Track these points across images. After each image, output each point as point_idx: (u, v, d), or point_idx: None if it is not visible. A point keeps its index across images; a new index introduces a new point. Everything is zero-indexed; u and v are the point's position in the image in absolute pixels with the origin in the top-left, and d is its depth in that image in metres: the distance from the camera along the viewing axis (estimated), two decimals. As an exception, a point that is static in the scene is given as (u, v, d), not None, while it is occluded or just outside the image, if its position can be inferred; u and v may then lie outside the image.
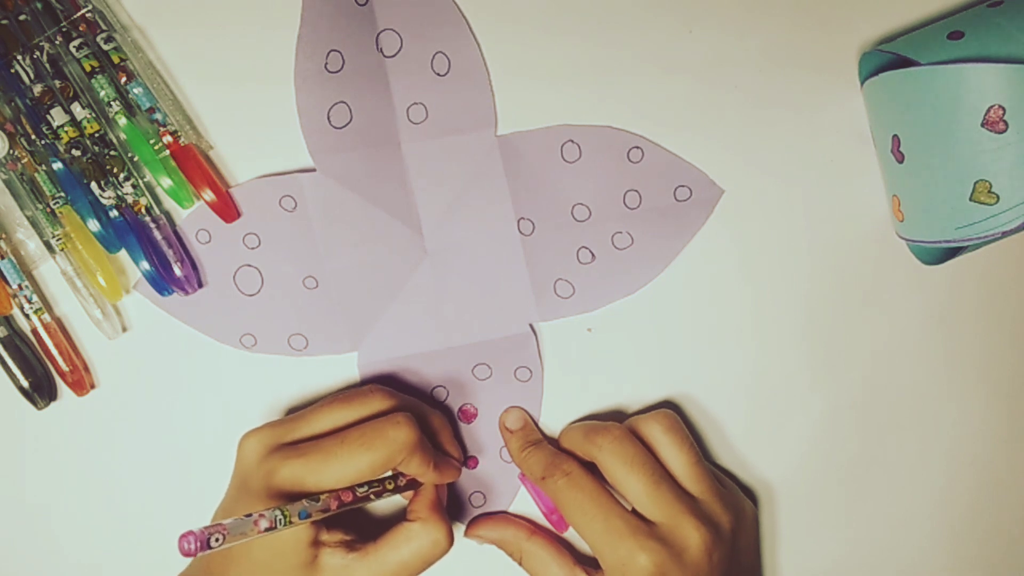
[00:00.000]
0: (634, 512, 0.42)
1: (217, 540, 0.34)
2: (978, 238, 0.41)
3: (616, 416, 0.48)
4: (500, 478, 0.47)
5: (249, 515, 0.36)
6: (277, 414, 0.46)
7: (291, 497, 0.39)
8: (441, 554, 0.42)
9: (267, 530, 0.36)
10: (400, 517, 0.44)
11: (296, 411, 0.46)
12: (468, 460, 0.47)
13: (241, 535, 0.35)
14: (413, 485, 0.43)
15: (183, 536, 0.33)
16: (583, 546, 0.47)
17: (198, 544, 0.33)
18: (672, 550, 0.41)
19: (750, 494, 0.48)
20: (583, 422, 0.46)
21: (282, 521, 0.37)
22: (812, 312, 0.48)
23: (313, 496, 0.39)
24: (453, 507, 0.47)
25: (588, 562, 0.45)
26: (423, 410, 0.44)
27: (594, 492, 0.42)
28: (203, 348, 0.45)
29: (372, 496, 0.41)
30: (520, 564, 0.46)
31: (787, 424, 0.49)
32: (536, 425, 0.47)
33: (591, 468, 0.44)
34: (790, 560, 0.49)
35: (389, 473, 0.43)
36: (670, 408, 0.46)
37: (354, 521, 0.44)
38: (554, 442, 0.47)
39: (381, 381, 0.46)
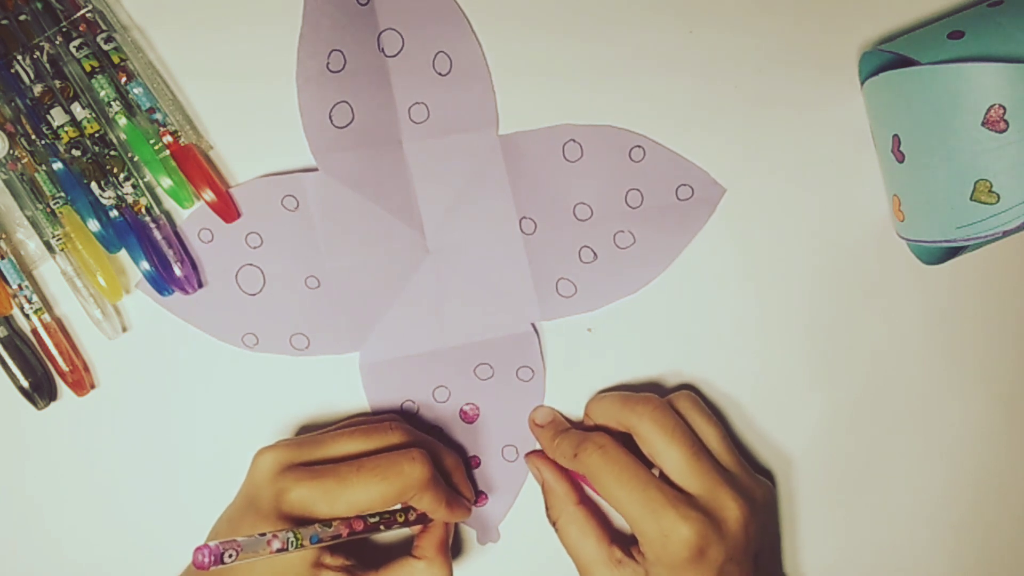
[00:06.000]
0: (668, 483, 0.42)
1: (231, 556, 0.35)
2: (978, 238, 0.41)
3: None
4: (502, 477, 0.47)
5: (263, 534, 0.37)
6: (278, 414, 0.46)
7: (299, 519, 0.39)
8: None
9: (278, 550, 0.37)
10: (404, 548, 0.44)
11: (298, 412, 0.46)
12: (469, 460, 0.47)
13: (253, 553, 0.36)
14: (423, 520, 0.44)
15: (198, 549, 0.34)
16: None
17: (212, 558, 0.34)
18: (712, 522, 0.41)
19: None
20: (616, 392, 0.46)
21: (293, 543, 0.37)
22: (813, 312, 0.48)
23: (325, 521, 0.39)
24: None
25: (620, 540, 0.44)
26: (438, 448, 0.45)
27: (630, 463, 0.42)
28: (204, 348, 0.45)
29: (382, 527, 0.41)
30: (555, 525, 0.45)
31: (787, 423, 0.49)
32: (565, 419, 0.47)
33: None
34: (790, 557, 0.49)
35: (400, 506, 0.43)
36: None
37: (357, 547, 0.44)
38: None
39: (382, 380, 0.46)
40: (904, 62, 0.42)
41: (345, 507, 0.40)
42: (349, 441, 0.42)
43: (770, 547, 0.46)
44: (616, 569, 0.43)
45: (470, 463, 0.47)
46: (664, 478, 0.42)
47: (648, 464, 0.43)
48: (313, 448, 0.41)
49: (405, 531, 0.46)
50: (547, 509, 0.46)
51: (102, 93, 0.42)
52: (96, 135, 0.42)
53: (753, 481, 0.44)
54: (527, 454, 0.47)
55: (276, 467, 0.40)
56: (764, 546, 0.44)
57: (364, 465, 0.40)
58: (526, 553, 0.47)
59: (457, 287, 0.46)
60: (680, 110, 0.47)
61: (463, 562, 0.48)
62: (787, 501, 0.49)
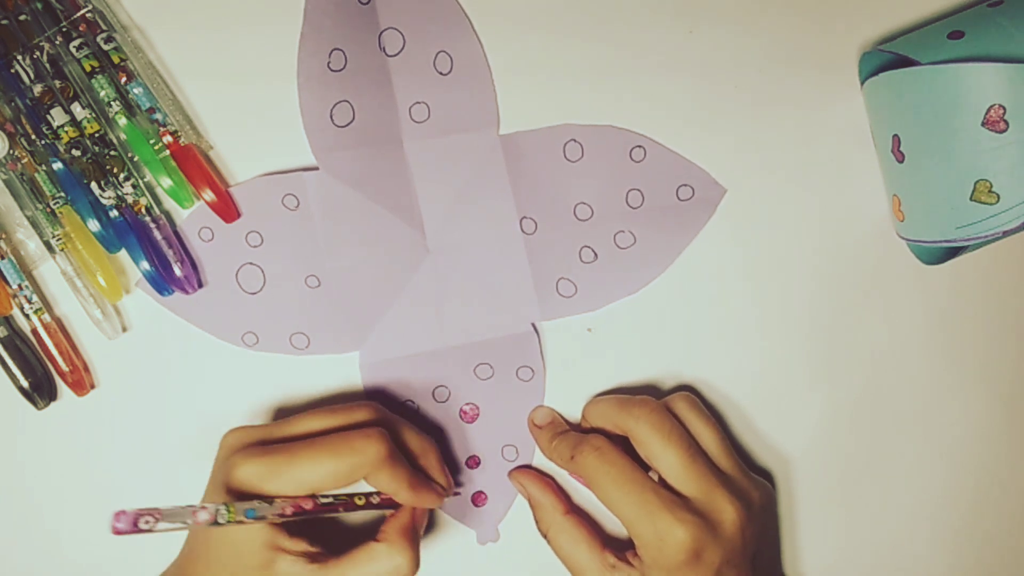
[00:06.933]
0: (665, 486, 0.42)
1: (147, 523, 0.34)
2: (978, 238, 0.41)
3: (618, 416, 0.47)
4: (502, 477, 0.47)
5: (190, 505, 0.35)
6: (278, 414, 0.46)
7: (248, 496, 0.38)
8: None
9: (211, 523, 0.35)
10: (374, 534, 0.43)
11: (298, 411, 0.46)
12: (469, 459, 0.47)
13: (180, 523, 0.35)
14: (390, 504, 0.42)
15: (116, 513, 0.33)
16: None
17: (128, 524, 0.33)
18: (708, 524, 0.41)
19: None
20: (613, 395, 0.46)
21: (224, 515, 0.36)
22: (813, 312, 0.48)
23: (267, 498, 0.38)
24: (453, 507, 0.47)
25: (613, 544, 0.45)
26: (406, 429, 0.43)
27: (626, 466, 0.42)
28: (203, 347, 0.45)
29: (340, 508, 0.40)
30: (545, 536, 0.45)
31: (787, 423, 0.49)
32: (564, 420, 0.47)
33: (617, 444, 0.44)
34: (789, 558, 0.49)
35: (369, 489, 0.42)
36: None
37: (324, 533, 0.43)
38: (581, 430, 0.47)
39: (382, 380, 0.46)
40: (904, 62, 0.42)
41: (293, 484, 0.38)
42: (313, 420, 0.41)
43: (769, 548, 0.46)
44: (610, 574, 0.43)
45: (459, 458, 0.47)
46: (661, 481, 0.43)
47: (645, 467, 0.43)
48: (278, 428, 0.41)
49: (379, 517, 0.45)
50: (536, 522, 0.46)
51: (102, 93, 0.42)
52: (96, 135, 0.42)
53: (751, 483, 0.44)
54: (509, 472, 0.47)
55: (237, 445, 0.40)
56: (762, 548, 0.44)
57: (316, 441, 0.39)
58: (526, 553, 0.47)
59: (457, 287, 0.46)
60: (680, 110, 0.47)
61: (463, 562, 0.47)
62: (787, 502, 0.49)
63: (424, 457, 0.43)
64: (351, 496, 0.41)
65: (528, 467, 0.47)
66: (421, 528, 0.43)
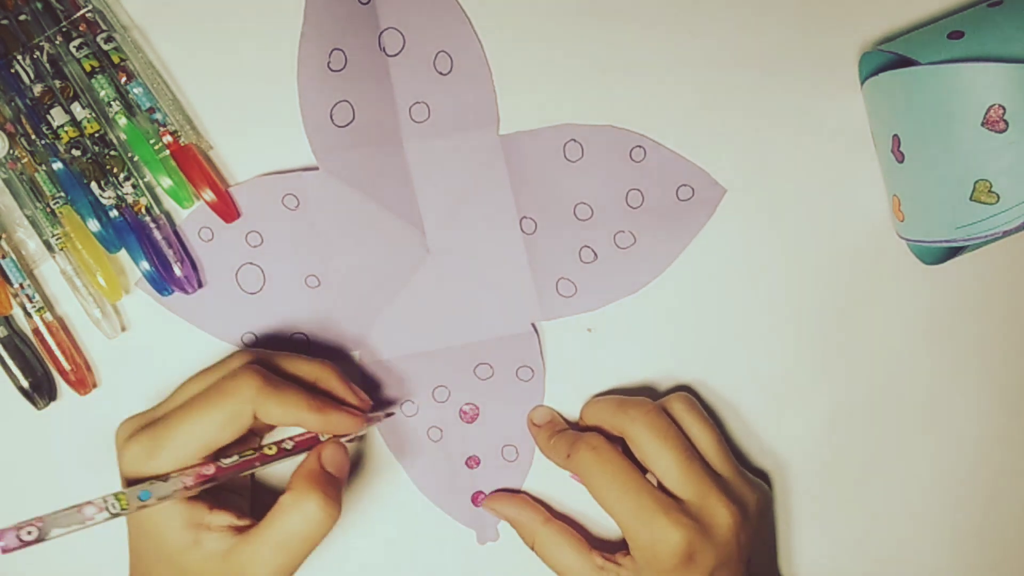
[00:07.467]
0: (661, 488, 0.42)
1: (30, 534, 0.32)
2: (978, 238, 0.41)
3: (618, 416, 0.47)
4: (502, 477, 0.47)
5: (75, 505, 0.33)
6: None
7: (144, 480, 0.36)
8: (318, 528, 0.37)
9: (109, 517, 0.33)
10: None
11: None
12: (469, 459, 0.47)
13: (73, 525, 0.32)
14: (311, 443, 0.39)
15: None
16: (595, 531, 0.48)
17: (12, 540, 0.31)
18: (702, 528, 0.41)
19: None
20: (610, 396, 0.46)
21: (115, 505, 0.33)
22: (812, 312, 0.48)
23: (164, 476, 0.36)
24: (454, 506, 0.47)
25: (601, 546, 0.45)
26: (295, 359, 0.41)
27: (622, 466, 0.42)
28: (203, 347, 0.45)
29: (256, 464, 0.38)
30: (533, 548, 0.45)
31: (787, 424, 0.49)
32: (564, 420, 0.47)
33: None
34: (785, 561, 0.49)
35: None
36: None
37: (263, 502, 0.40)
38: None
39: (382, 380, 0.46)
40: (904, 62, 0.42)
41: (181, 453, 0.36)
42: (192, 384, 0.39)
43: (765, 551, 0.46)
44: (599, 575, 0.43)
45: (459, 458, 0.47)
46: (658, 483, 0.42)
47: (642, 469, 0.43)
48: (161, 405, 0.39)
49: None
50: (522, 540, 0.46)
51: (102, 93, 0.42)
52: (96, 135, 0.42)
53: (747, 485, 0.44)
54: (483, 503, 0.47)
55: (125, 435, 0.38)
56: (758, 550, 0.44)
57: (189, 402, 0.37)
58: (526, 552, 0.47)
59: (457, 287, 0.46)
60: (681, 110, 0.47)
61: (463, 562, 0.47)
62: (783, 503, 0.49)
63: (323, 381, 0.41)
64: (259, 448, 0.38)
65: (498, 492, 0.47)
66: (337, 468, 0.39)
